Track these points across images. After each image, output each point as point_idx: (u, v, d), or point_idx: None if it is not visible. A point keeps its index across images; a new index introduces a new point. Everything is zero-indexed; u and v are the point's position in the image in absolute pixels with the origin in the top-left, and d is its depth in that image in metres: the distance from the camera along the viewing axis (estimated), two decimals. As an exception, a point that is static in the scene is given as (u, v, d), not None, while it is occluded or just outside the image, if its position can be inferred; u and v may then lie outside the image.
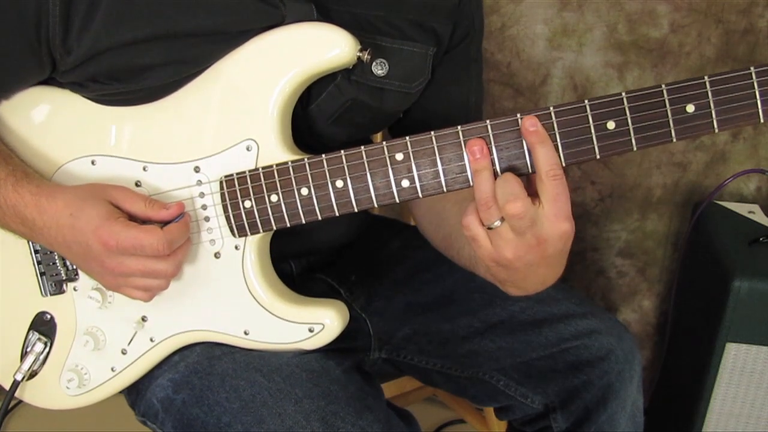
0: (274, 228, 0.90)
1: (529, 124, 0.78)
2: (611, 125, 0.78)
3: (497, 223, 0.79)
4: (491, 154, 0.81)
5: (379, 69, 0.96)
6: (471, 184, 0.82)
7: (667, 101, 0.76)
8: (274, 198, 0.89)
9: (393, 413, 0.95)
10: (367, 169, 0.85)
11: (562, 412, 1.09)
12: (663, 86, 0.76)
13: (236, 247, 0.92)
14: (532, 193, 0.79)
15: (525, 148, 0.80)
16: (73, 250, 0.89)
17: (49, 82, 0.94)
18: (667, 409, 1.80)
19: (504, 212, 0.77)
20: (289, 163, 0.88)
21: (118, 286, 0.91)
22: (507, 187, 0.78)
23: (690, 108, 0.76)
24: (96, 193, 0.89)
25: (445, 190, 0.83)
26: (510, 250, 0.79)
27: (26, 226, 0.91)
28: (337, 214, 0.87)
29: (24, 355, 1.01)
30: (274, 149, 0.89)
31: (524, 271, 0.82)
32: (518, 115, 0.79)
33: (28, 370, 1.00)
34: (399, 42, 0.97)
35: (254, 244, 0.92)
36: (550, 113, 0.79)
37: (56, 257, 0.98)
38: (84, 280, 0.98)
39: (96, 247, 0.86)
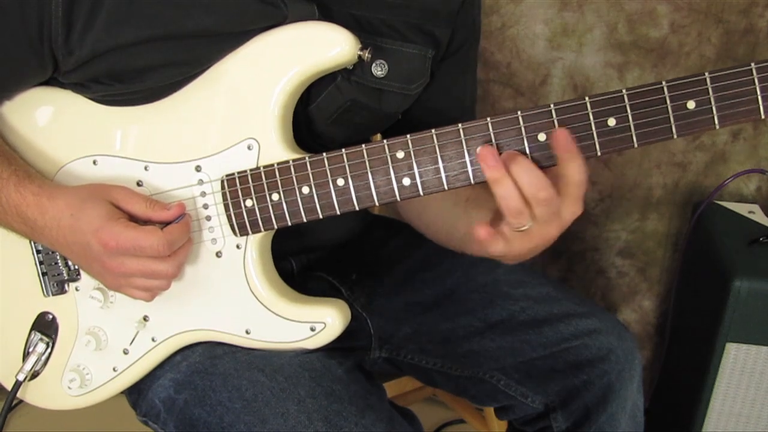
0: (276, 227, 0.90)
1: (564, 139, 0.77)
2: (612, 122, 0.78)
3: (528, 225, 0.80)
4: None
5: (378, 70, 0.96)
6: (472, 181, 0.82)
7: (667, 98, 0.76)
8: (275, 197, 0.89)
9: (395, 412, 0.96)
10: (368, 168, 0.85)
11: (563, 411, 1.09)
12: (663, 83, 0.76)
13: (238, 246, 0.93)
14: None
15: (525, 144, 0.80)
16: (74, 250, 0.89)
17: (51, 82, 0.94)
18: (667, 409, 1.81)
19: (534, 199, 0.78)
20: (291, 161, 0.88)
21: (119, 286, 0.91)
22: (533, 177, 0.78)
23: (691, 104, 0.76)
24: (97, 194, 0.89)
25: (446, 187, 0.83)
26: (532, 241, 0.81)
27: (28, 226, 0.91)
28: (338, 213, 0.88)
29: (26, 355, 1.01)
30: (275, 148, 0.89)
31: (531, 251, 0.84)
32: (518, 113, 0.79)
33: (30, 370, 1.00)
34: (399, 44, 0.97)
35: (255, 243, 0.92)
36: (550, 111, 0.79)
37: (58, 257, 0.98)
38: (86, 280, 0.98)
39: (96, 248, 0.86)
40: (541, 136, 0.80)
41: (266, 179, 0.89)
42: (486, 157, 0.79)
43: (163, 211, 0.89)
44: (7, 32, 0.87)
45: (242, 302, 0.94)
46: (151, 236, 0.85)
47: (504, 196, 0.79)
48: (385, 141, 0.84)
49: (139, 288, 0.90)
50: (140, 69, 0.90)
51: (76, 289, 0.99)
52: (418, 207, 1.10)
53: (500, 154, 0.80)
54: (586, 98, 0.78)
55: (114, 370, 0.99)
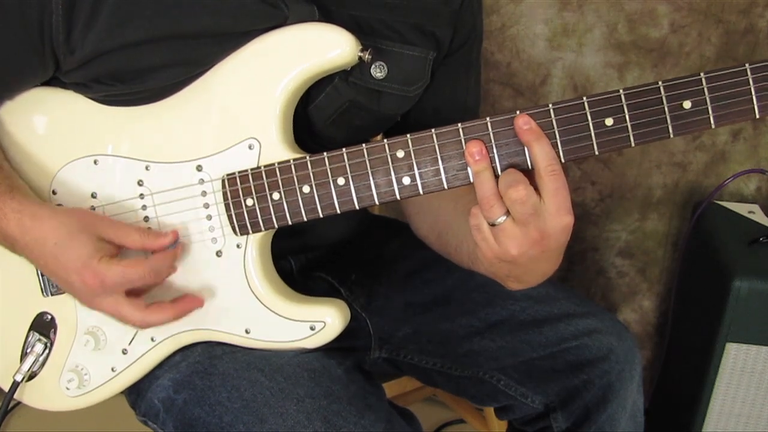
0: (276, 226, 0.90)
1: (522, 122, 0.79)
2: (609, 122, 0.78)
3: (501, 219, 0.79)
4: (491, 151, 0.81)
5: (378, 72, 0.96)
6: (471, 180, 0.82)
7: (664, 98, 0.77)
8: (275, 196, 0.89)
9: (395, 412, 0.96)
10: (369, 167, 0.85)
11: (563, 411, 1.09)
12: (660, 83, 0.77)
13: (238, 246, 0.93)
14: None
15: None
16: (54, 274, 0.89)
17: (52, 82, 0.94)
18: (667, 409, 1.81)
19: (506, 198, 0.78)
20: (291, 161, 0.88)
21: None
22: (509, 176, 0.79)
23: (687, 104, 0.77)
24: (86, 227, 0.87)
25: (446, 187, 0.84)
26: (514, 246, 0.80)
27: (7, 242, 0.90)
28: (338, 212, 0.88)
29: (24, 355, 1.01)
30: (276, 148, 0.90)
31: (527, 265, 0.83)
32: (518, 113, 0.80)
33: (28, 371, 1.00)
34: (399, 45, 0.97)
35: (256, 243, 0.93)
36: (549, 110, 0.79)
37: (58, 257, 0.98)
38: (85, 280, 0.98)
39: (77, 285, 0.86)
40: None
41: (267, 178, 0.89)
42: (471, 151, 0.81)
43: (159, 238, 0.89)
44: (7, 31, 0.87)
45: (242, 301, 0.94)
46: (138, 267, 0.85)
47: (479, 186, 0.81)
48: (385, 140, 0.84)
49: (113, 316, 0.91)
50: (142, 69, 0.90)
51: (76, 289, 0.99)
52: (429, 219, 1.10)
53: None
54: (584, 98, 0.78)
55: (113, 370, 0.99)
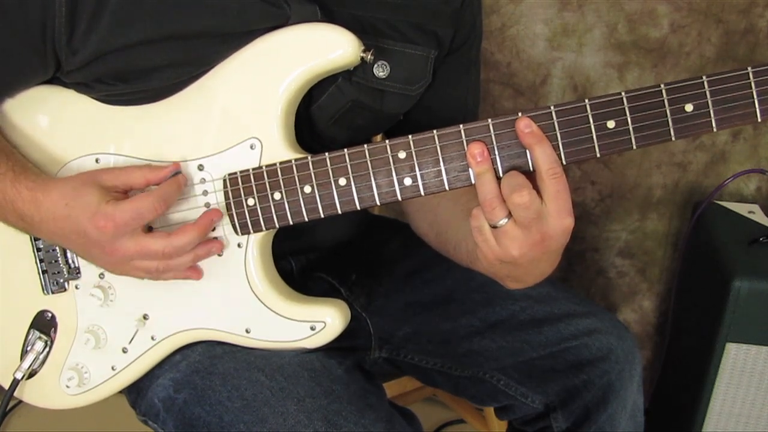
0: (277, 226, 0.90)
1: (524, 125, 0.79)
2: (611, 124, 0.78)
3: (503, 221, 0.80)
4: (493, 153, 0.81)
5: (380, 71, 0.96)
6: (473, 182, 0.83)
7: (666, 101, 0.77)
8: (277, 196, 0.89)
9: (395, 412, 0.96)
10: (370, 168, 0.85)
11: (563, 411, 1.09)
12: (662, 86, 0.77)
13: (239, 245, 0.93)
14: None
15: (526, 146, 0.81)
16: (73, 239, 0.89)
17: (54, 81, 0.94)
18: (667, 409, 1.81)
19: (510, 202, 0.78)
20: (293, 161, 0.88)
21: (123, 271, 0.91)
22: (512, 180, 0.79)
23: (689, 107, 0.77)
24: (87, 181, 0.88)
25: (447, 188, 0.84)
26: (516, 248, 0.80)
27: (25, 222, 0.91)
28: (339, 212, 0.88)
29: (24, 353, 1.01)
30: (278, 148, 0.90)
31: (527, 266, 0.84)
32: (519, 114, 0.80)
33: (28, 369, 1.00)
34: (401, 44, 0.97)
35: (257, 242, 0.93)
36: (550, 112, 0.79)
37: (58, 255, 0.98)
38: (86, 278, 0.98)
39: (94, 234, 0.85)
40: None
41: (268, 178, 0.89)
42: (473, 152, 0.81)
43: (162, 170, 0.89)
44: (8, 32, 0.87)
45: (242, 301, 0.94)
46: (144, 199, 0.85)
47: (480, 188, 0.81)
48: (387, 141, 0.85)
49: (141, 270, 0.90)
50: (144, 69, 0.90)
51: (76, 287, 0.99)
52: (429, 217, 1.10)
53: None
54: (586, 101, 0.78)
55: (113, 368, 0.99)
